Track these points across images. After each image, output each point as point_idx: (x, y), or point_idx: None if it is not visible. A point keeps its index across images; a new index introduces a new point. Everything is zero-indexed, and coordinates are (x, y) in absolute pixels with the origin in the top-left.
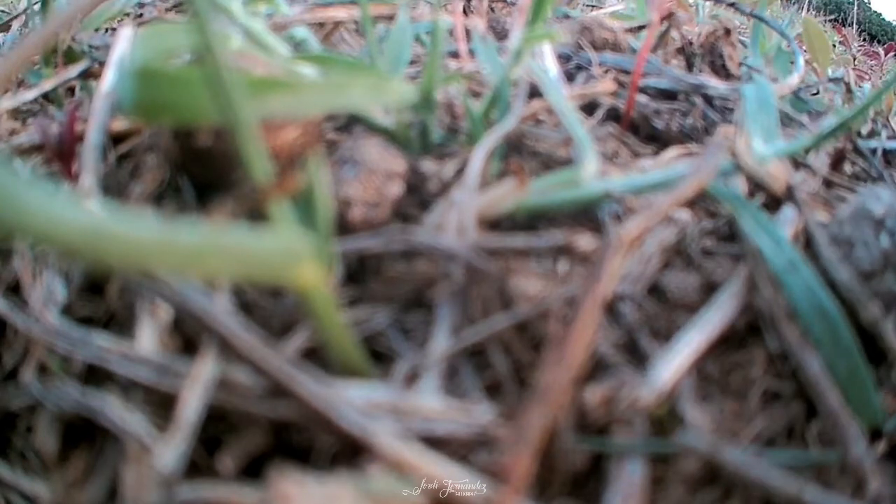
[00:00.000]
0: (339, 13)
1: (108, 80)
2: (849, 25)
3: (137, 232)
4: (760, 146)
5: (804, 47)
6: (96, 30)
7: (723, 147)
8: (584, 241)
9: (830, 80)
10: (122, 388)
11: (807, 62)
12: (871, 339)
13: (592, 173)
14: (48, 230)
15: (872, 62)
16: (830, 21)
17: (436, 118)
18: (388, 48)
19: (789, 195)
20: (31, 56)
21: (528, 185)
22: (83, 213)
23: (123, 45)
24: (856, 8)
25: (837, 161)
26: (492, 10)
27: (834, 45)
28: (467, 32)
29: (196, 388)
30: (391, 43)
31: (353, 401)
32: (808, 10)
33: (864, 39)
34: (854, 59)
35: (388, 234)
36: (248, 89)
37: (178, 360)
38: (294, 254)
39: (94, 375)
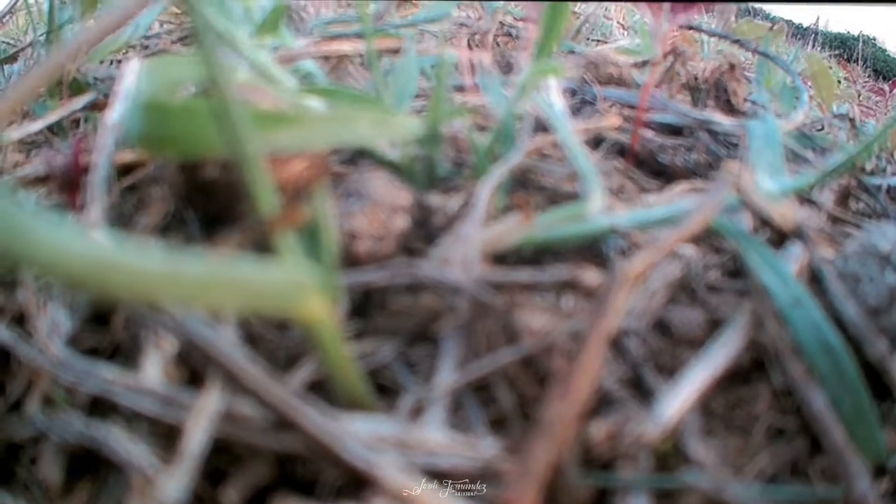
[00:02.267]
0: (345, 47)
1: (114, 111)
2: (854, 62)
3: (143, 263)
4: (766, 182)
5: (809, 83)
6: (102, 62)
7: (728, 183)
8: (590, 275)
9: (835, 116)
10: (127, 420)
11: (811, 98)
12: (876, 374)
13: (598, 208)
14: (53, 261)
15: (878, 98)
16: (836, 56)
17: (441, 152)
18: (394, 82)
19: (795, 231)
20: (36, 88)
21: (533, 220)
22: (89, 244)
23: (129, 77)
24: (861, 44)
25: (843, 197)
26: (497, 44)
27: (839, 81)
28: (473, 66)
29: (201, 420)
30: (397, 76)
31: (357, 434)
32: (814, 45)
33: (870, 76)
34: (859, 95)
35: (394, 267)
36: (254, 122)
37: (183, 391)
38: (300, 286)
39: (99, 407)
